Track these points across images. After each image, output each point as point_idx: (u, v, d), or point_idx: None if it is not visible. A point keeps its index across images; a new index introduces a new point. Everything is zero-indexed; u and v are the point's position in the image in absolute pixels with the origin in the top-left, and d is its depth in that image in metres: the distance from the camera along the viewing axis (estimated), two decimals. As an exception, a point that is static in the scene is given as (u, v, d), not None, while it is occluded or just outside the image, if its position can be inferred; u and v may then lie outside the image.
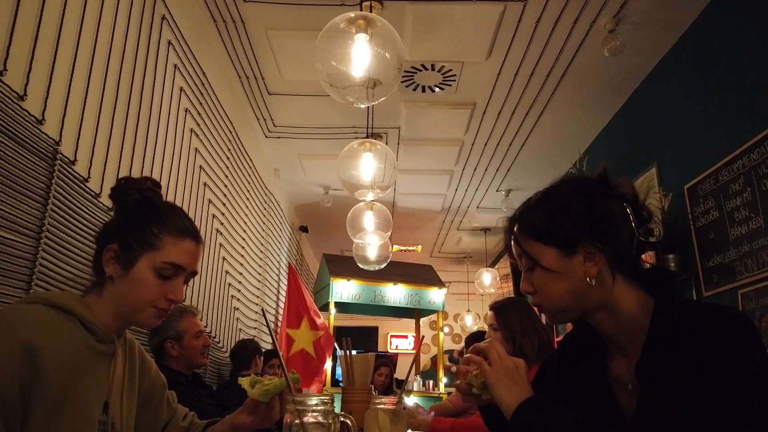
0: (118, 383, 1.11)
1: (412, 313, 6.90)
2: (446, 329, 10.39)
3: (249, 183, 4.41)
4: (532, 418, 0.91)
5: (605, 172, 1.01)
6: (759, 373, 0.82)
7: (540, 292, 0.99)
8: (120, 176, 2.36)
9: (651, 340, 0.91)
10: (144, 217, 1.13)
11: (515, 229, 1.03)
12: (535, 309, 1.09)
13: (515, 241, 1.03)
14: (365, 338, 10.53)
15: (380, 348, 10.79)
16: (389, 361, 5.29)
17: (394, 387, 4.71)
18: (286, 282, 5.80)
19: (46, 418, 0.95)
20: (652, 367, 0.89)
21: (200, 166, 3.33)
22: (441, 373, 6.48)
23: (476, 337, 2.98)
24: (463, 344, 4.47)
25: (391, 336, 11.19)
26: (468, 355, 1.05)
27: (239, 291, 4.21)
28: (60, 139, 1.93)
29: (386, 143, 4.71)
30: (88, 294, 1.12)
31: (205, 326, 2.89)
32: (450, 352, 9.93)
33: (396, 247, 7.61)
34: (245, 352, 3.56)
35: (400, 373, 7.10)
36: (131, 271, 1.09)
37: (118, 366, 1.11)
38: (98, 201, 2.16)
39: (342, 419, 1.09)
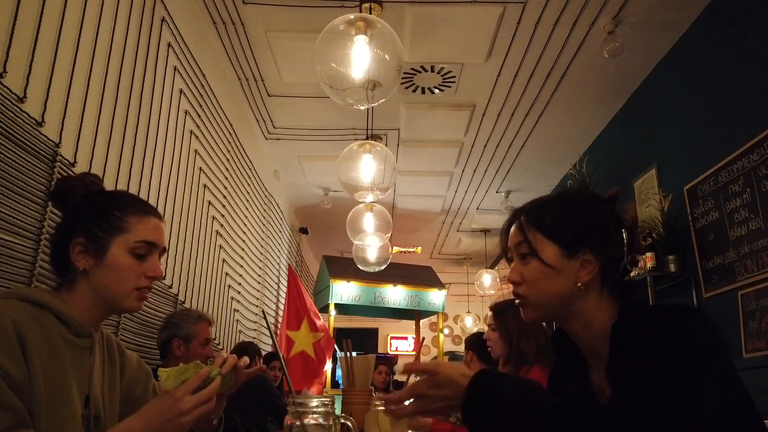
0: (98, 376, 1.10)
1: (412, 314, 6.89)
2: (446, 331, 10.38)
3: (249, 185, 4.41)
4: (485, 390, 0.87)
5: (617, 195, 1.05)
6: (727, 362, 0.85)
7: (528, 284, 1.01)
8: (119, 178, 2.37)
9: (615, 343, 0.94)
10: (101, 206, 1.11)
11: (522, 218, 1.05)
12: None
13: (519, 228, 1.03)
14: (365, 340, 10.52)
15: (380, 350, 10.77)
16: (387, 360, 5.28)
17: (392, 388, 4.69)
18: (285, 283, 5.79)
19: (35, 414, 0.94)
20: (621, 367, 0.91)
21: (200, 168, 3.33)
22: (441, 374, 6.47)
23: (476, 338, 2.97)
24: (463, 345, 4.46)
25: (391, 337, 11.18)
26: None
27: (239, 293, 4.21)
28: (60, 141, 1.94)
29: (386, 145, 4.71)
30: (59, 291, 1.10)
31: (214, 339, 2.87)
32: (450, 353, 9.92)
33: (396, 249, 7.60)
34: (245, 354, 3.55)
35: (400, 375, 7.09)
36: (106, 258, 1.08)
37: (97, 359, 1.10)
38: (98, 203, 2.16)
39: (342, 421, 1.09)
